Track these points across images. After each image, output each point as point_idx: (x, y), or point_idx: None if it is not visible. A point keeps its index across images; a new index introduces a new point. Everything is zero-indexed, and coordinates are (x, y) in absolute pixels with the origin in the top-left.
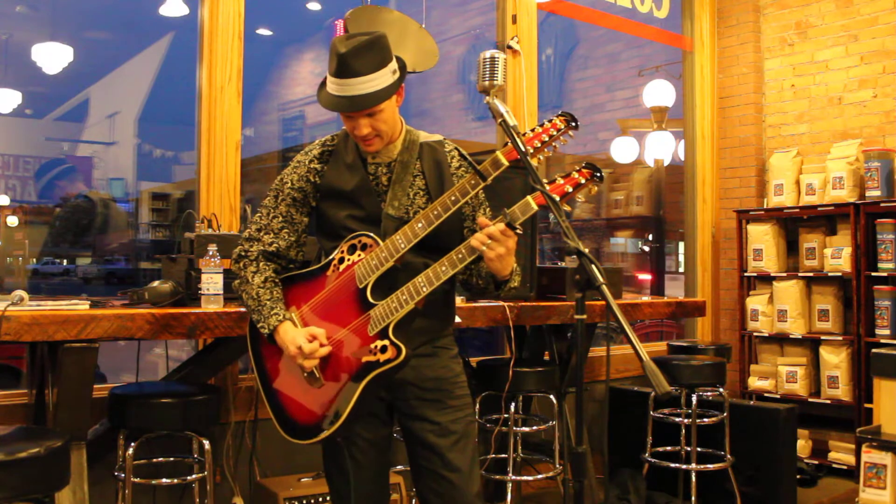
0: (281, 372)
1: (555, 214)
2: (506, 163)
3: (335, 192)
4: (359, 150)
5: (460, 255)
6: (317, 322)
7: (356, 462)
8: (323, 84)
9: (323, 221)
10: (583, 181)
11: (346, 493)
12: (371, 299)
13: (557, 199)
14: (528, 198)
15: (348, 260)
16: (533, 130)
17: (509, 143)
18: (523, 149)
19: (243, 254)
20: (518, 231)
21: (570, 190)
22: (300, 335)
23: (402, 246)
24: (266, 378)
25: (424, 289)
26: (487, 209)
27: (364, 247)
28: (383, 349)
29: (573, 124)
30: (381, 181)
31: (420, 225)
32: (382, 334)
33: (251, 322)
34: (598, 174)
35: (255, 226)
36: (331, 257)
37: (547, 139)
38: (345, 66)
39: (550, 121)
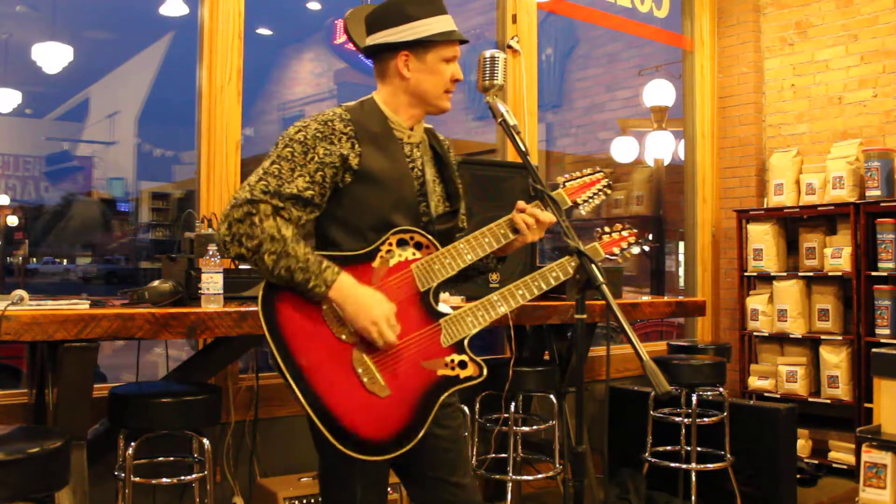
0: (326, 371)
1: (554, 214)
2: (569, 202)
3: (375, 175)
4: (391, 129)
5: (538, 285)
6: None
7: (367, 475)
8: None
9: (353, 209)
10: (633, 241)
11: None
12: (437, 307)
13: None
14: (596, 244)
15: (399, 255)
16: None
17: (571, 183)
18: (523, 148)
19: (252, 210)
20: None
21: (625, 247)
22: (380, 299)
23: (469, 258)
24: (301, 376)
25: (502, 308)
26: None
27: (418, 246)
28: (462, 364)
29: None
30: (416, 165)
31: (487, 240)
32: (459, 349)
33: (265, 300)
34: (641, 240)
35: (271, 179)
36: (375, 246)
37: (591, 196)
38: (440, 4)
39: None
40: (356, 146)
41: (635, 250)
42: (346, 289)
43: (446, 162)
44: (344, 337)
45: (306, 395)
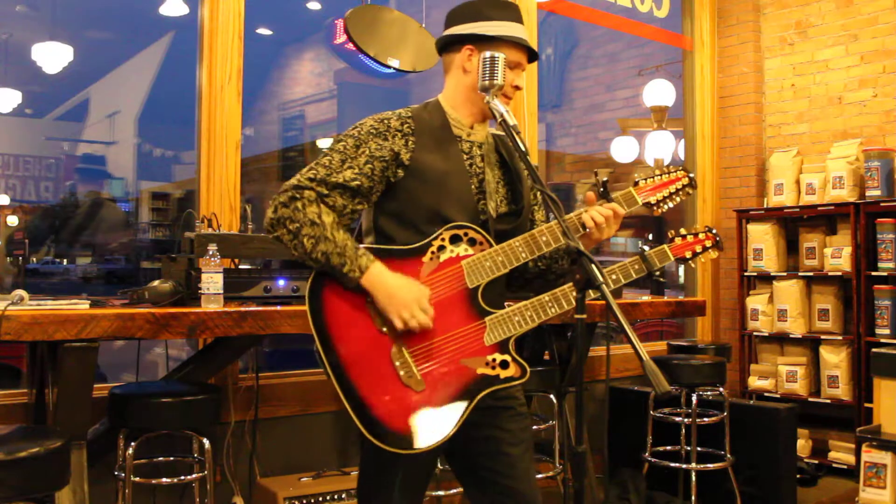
0: (364, 361)
1: (554, 214)
2: (640, 202)
3: (425, 171)
4: (450, 126)
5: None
6: None
7: (407, 483)
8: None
9: (406, 203)
10: (708, 245)
11: None
12: (484, 305)
13: (684, 255)
14: (665, 246)
15: (450, 251)
16: (652, 178)
17: (642, 183)
18: (523, 148)
19: (297, 195)
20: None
21: (699, 251)
22: (407, 287)
23: (524, 256)
24: (340, 365)
25: (552, 310)
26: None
27: (472, 242)
28: (504, 364)
29: (692, 181)
30: (475, 162)
31: (545, 239)
32: (503, 348)
33: (313, 289)
34: (720, 241)
35: (320, 168)
36: (427, 241)
37: (667, 195)
38: (517, 14)
39: (671, 174)
40: (410, 143)
41: (713, 254)
42: (376, 277)
43: (512, 168)
44: (385, 329)
45: (342, 383)
